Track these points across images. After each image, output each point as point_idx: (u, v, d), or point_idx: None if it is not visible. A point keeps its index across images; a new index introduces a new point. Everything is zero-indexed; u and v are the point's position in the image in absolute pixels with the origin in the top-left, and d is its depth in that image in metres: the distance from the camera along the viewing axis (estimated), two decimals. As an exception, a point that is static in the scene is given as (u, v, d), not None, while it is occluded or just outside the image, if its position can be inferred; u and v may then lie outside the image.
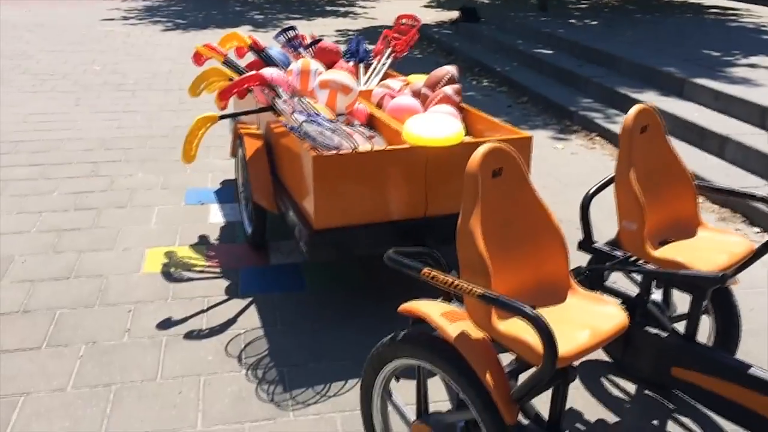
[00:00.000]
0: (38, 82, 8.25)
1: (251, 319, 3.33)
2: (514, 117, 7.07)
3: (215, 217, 4.50)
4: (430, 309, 2.01)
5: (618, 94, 6.90)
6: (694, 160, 5.32)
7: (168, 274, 3.73)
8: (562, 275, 2.11)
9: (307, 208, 3.13)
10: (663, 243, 2.50)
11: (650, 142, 2.49)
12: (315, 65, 3.81)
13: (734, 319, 2.62)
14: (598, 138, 6.28)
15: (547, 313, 2.02)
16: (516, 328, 1.85)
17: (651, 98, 6.54)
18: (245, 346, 3.11)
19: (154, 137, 6.18)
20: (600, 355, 3.08)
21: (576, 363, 1.93)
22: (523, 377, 1.90)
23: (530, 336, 1.79)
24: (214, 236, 4.22)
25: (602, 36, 9.20)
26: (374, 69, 4.63)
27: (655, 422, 2.69)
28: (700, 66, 7.14)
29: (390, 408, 2.29)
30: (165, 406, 2.70)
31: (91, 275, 3.69)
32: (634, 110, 2.45)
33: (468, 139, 3.35)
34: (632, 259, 2.48)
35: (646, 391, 2.86)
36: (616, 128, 6.11)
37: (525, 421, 2.01)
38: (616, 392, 2.87)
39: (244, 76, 3.46)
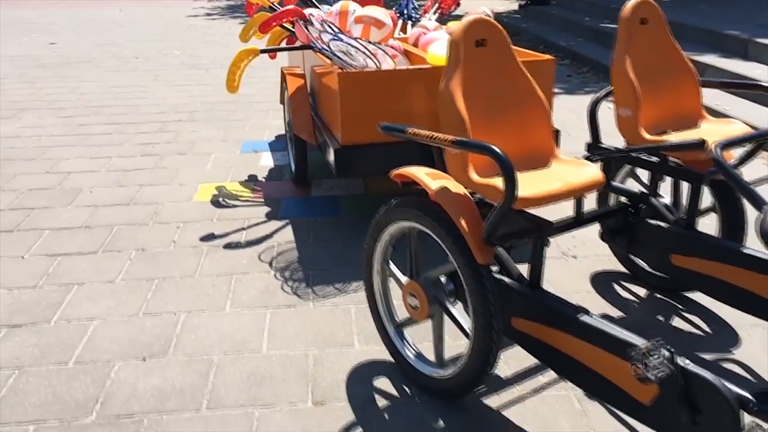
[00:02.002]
0: (123, 63, 8.88)
1: (286, 235, 3.57)
2: (572, 84, 7.08)
3: (266, 161, 4.79)
4: (418, 171, 2.17)
5: (719, 36, 6.77)
6: (758, 114, 5.22)
7: (216, 202, 4.03)
8: (546, 143, 2.23)
9: (335, 126, 3.34)
10: (662, 134, 2.56)
11: (651, 35, 2.55)
12: (354, 6, 4.02)
13: (739, 214, 2.63)
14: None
15: (528, 174, 2.15)
16: (488, 177, 1.99)
17: (714, 60, 6.41)
18: (277, 255, 3.35)
19: (220, 103, 6.57)
20: (615, 266, 3.15)
21: (554, 224, 2.05)
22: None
23: (498, 181, 1.93)
24: (262, 175, 4.50)
25: (673, 7, 9.02)
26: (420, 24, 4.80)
27: (660, 317, 2.74)
28: (766, 28, 6.93)
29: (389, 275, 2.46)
30: (199, 295, 2.97)
31: (148, 203, 4.04)
32: (632, 1, 2.52)
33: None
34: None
35: (657, 295, 2.90)
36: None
37: (508, 280, 2.13)
38: (626, 295, 2.92)
39: (283, 9, 3.71)
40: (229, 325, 2.73)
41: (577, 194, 2.04)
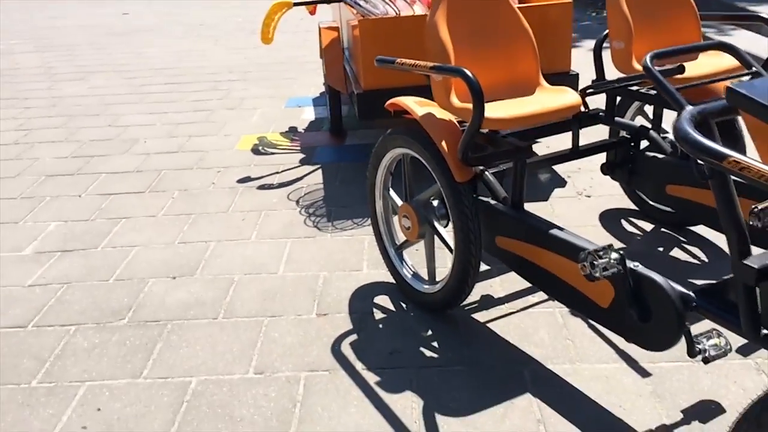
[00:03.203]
0: (188, 30, 9.29)
1: (316, 177, 3.80)
2: (594, 26, 6.99)
3: (308, 115, 5.03)
4: (407, 100, 2.35)
5: (735, 7, 6.60)
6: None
7: (255, 150, 4.30)
8: (532, 74, 2.36)
9: (359, 72, 3.53)
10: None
11: (646, -29, 2.62)
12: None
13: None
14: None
15: (511, 101, 2.29)
16: (466, 102, 2.14)
17: (770, 11, 6.22)
18: (305, 194, 3.59)
19: (272, 64, 6.86)
20: (627, 204, 3.24)
21: (537, 151, 2.19)
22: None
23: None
24: (302, 127, 4.74)
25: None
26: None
27: (660, 248, 2.83)
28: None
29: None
30: (229, 227, 3.25)
31: (194, 150, 4.35)
32: None
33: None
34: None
35: (662, 229, 2.99)
36: (732, 41, 5.89)
37: (493, 202, 2.28)
38: (630, 229, 3.02)
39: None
40: (253, 252, 3.00)
41: (550, 118, 2.17)
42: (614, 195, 3.36)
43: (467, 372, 2.17)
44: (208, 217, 3.38)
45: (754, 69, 2.17)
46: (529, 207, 3.29)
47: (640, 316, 1.82)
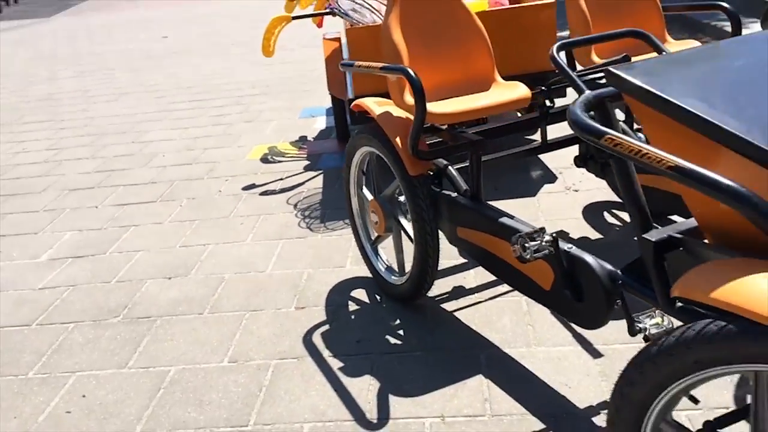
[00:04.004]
0: (220, 49, 9.63)
1: (316, 182, 3.96)
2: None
3: (319, 124, 5.21)
4: (369, 101, 2.47)
5: (757, 2, 6.51)
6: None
7: (264, 159, 4.49)
8: (487, 71, 2.45)
9: (348, 80, 3.67)
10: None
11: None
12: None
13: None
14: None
15: (464, 98, 2.39)
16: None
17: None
18: (303, 198, 3.75)
19: (294, 78, 7.08)
20: (613, 198, 3.28)
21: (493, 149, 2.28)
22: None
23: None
24: (312, 136, 4.92)
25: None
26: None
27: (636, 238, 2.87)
28: None
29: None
30: (228, 231, 3.42)
31: (207, 161, 4.57)
32: None
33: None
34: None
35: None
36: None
37: (453, 194, 2.38)
38: (611, 221, 3.07)
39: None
40: (246, 252, 3.16)
41: (496, 111, 2.27)
42: (602, 189, 3.40)
43: (426, 357, 2.27)
44: (210, 222, 3.56)
45: (664, 54, 2.21)
46: (517, 202, 3.39)
47: (575, 295, 1.89)
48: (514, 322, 2.40)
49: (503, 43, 3.35)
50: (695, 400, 1.37)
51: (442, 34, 2.44)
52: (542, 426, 1.90)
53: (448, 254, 2.87)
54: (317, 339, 2.43)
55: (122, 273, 3.09)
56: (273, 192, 3.89)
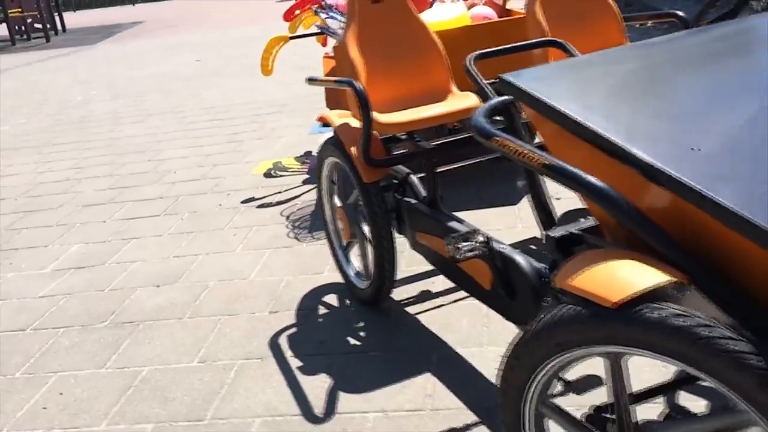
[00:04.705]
0: (246, 70, 9.92)
1: (311, 195, 4.09)
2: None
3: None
4: (331, 113, 2.60)
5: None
6: None
7: (267, 174, 4.65)
8: (443, 81, 2.55)
9: (341, 94, 3.81)
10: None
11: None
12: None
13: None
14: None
15: (418, 108, 2.50)
16: (382, 111, 2.37)
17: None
18: (296, 210, 3.88)
19: (310, 95, 7.25)
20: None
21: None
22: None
23: (375, 114, 2.30)
24: (316, 151, 5.06)
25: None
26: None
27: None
28: None
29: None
30: (221, 242, 3.58)
31: (214, 177, 4.75)
32: None
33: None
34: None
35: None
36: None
37: (413, 201, 2.47)
38: (585, 226, 3.10)
39: (302, -2, 4.24)
40: (235, 262, 3.30)
41: (444, 120, 2.37)
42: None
43: (382, 357, 2.36)
44: (206, 234, 3.72)
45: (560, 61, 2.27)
46: (498, 211, 3.46)
47: (508, 294, 1.96)
48: (471, 323, 2.47)
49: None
50: (568, 384, 1.43)
51: (400, 49, 2.55)
52: (476, 419, 1.97)
53: (419, 260, 2.95)
54: (283, 340, 2.55)
55: (116, 282, 3.26)
56: (269, 205, 4.04)
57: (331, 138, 2.59)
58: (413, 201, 2.48)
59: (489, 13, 3.97)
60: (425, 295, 2.72)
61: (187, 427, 2.14)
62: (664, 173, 1.20)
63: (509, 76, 1.51)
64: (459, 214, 2.54)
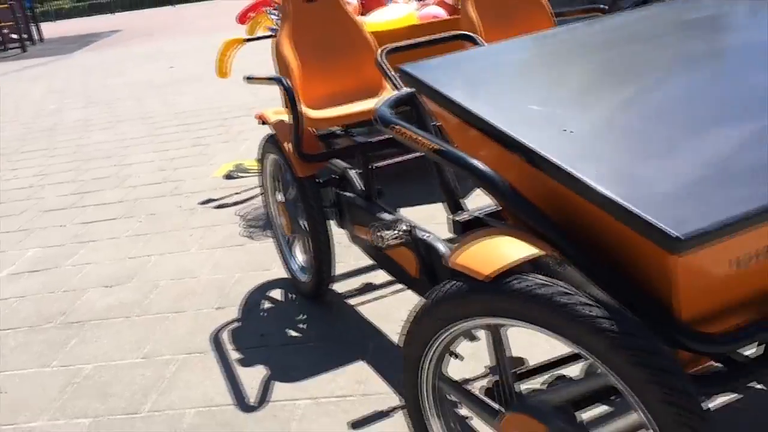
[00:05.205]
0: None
1: (269, 195, 4.13)
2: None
3: (289, 141, 5.40)
4: (269, 111, 2.64)
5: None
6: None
7: (228, 176, 4.69)
8: (376, 78, 2.60)
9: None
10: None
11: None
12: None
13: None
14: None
15: (350, 105, 2.55)
16: (320, 108, 2.42)
17: None
18: (251, 210, 3.92)
19: (279, 98, 7.31)
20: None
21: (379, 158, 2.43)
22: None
23: (308, 110, 2.35)
24: (279, 152, 5.11)
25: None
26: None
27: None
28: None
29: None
30: (176, 243, 3.61)
31: (175, 180, 4.78)
32: None
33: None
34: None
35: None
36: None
37: (350, 195, 2.53)
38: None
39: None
40: (188, 261, 3.34)
41: (369, 115, 2.42)
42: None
43: (320, 347, 2.40)
44: (162, 235, 3.76)
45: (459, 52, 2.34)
46: (444, 206, 3.51)
47: (432, 281, 2.02)
48: (407, 311, 2.52)
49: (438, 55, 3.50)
50: (459, 357, 1.49)
51: (334, 47, 2.60)
52: (403, 401, 2.02)
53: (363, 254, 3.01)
54: (226, 335, 2.59)
55: (70, 284, 3.29)
56: (226, 206, 4.08)
57: (270, 135, 2.64)
58: (351, 195, 2.53)
59: (438, 12, 4.03)
60: (367, 288, 2.77)
61: (124, 420, 2.17)
62: (536, 154, 1.26)
63: (408, 68, 1.56)
64: (406, 210, 2.62)
